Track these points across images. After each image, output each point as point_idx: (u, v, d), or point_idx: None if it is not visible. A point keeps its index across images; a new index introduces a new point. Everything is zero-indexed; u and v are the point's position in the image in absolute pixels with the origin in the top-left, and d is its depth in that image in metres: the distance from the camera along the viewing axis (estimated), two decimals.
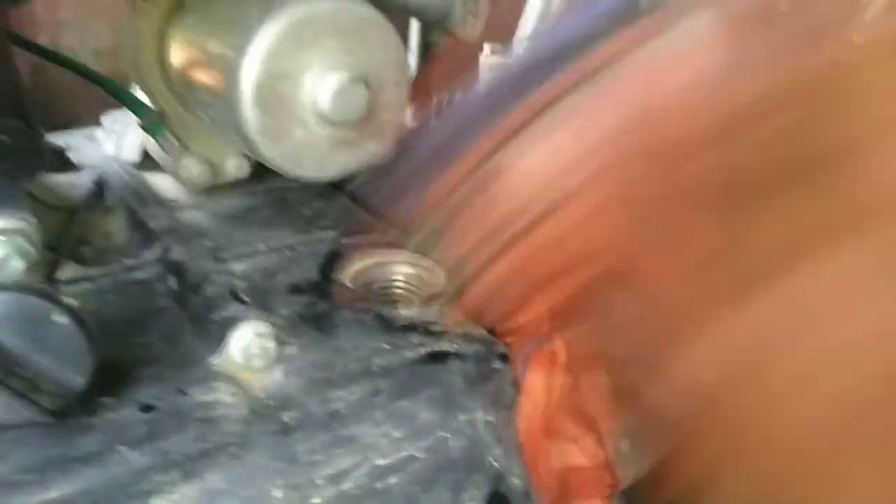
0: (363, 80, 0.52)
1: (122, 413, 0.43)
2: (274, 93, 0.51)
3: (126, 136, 0.81)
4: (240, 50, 0.50)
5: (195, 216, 0.68)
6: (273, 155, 0.53)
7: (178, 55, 0.61)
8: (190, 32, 0.59)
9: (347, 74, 0.51)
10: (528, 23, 0.87)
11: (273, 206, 0.71)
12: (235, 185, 0.72)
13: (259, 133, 0.52)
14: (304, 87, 0.51)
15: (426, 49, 0.80)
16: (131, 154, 0.78)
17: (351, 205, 0.72)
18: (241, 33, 0.51)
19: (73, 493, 0.38)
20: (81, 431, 0.41)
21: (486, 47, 0.85)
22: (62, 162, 0.73)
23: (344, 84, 0.51)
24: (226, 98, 0.52)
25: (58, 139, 0.77)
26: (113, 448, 0.40)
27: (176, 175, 0.69)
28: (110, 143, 0.84)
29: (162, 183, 0.73)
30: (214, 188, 0.71)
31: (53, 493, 0.37)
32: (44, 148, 0.55)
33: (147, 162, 0.78)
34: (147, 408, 0.43)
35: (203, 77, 0.57)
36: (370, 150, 0.56)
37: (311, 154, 0.54)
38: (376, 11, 0.53)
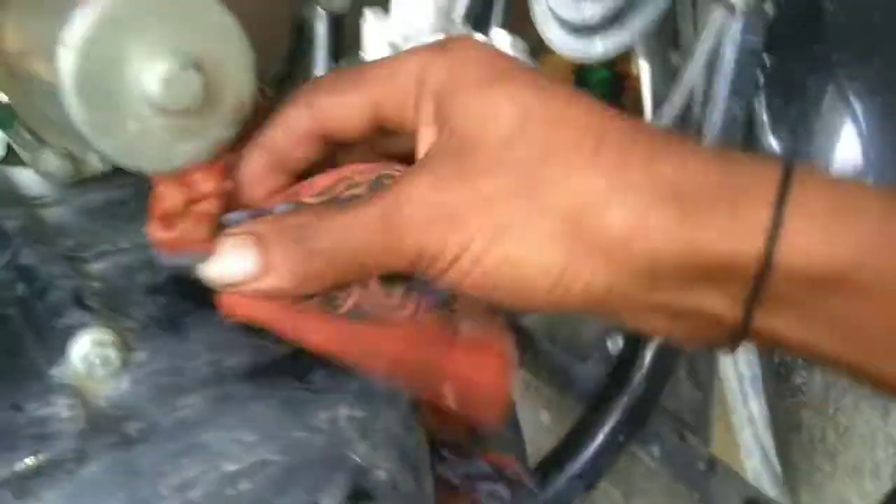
0: (194, 64, 0.49)
1: None
2: (96, 83, 0.47)
3: None
4: (58, 40, 0.47)
5: (58, 213, 0.65)
6: (108, 149, 0.50)
7: (11, 43, 0.57)
8: (19, 17, 0.55)
9: (176, 59, 0.48)
10: None
11: (141, 200, 0.67)
12: (102, 177, 0.69)
13: (88, 127, 0.48)
14: (130, 75, 0.48)
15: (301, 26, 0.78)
16: None
17: None
18: (59, 20, 0.47)
19: None
20: None
21: (369, 13, 0.83)
22: None
23: (173, 70, 0.48)
24: (51, 93, 0.49)
25: None
26: None
27: (37, 170, 0.65)
28: None
29: (25, 179, 0.70)
30: (80, 182, 0.67)
31: None
32: None
33: (13, 157, 0.74)
34: None
35: (34, 68, 0.54)
36: (216, 137, 0.53)
37: (150, 145, 0.51)
38: None
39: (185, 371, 0.47)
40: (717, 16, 0.75)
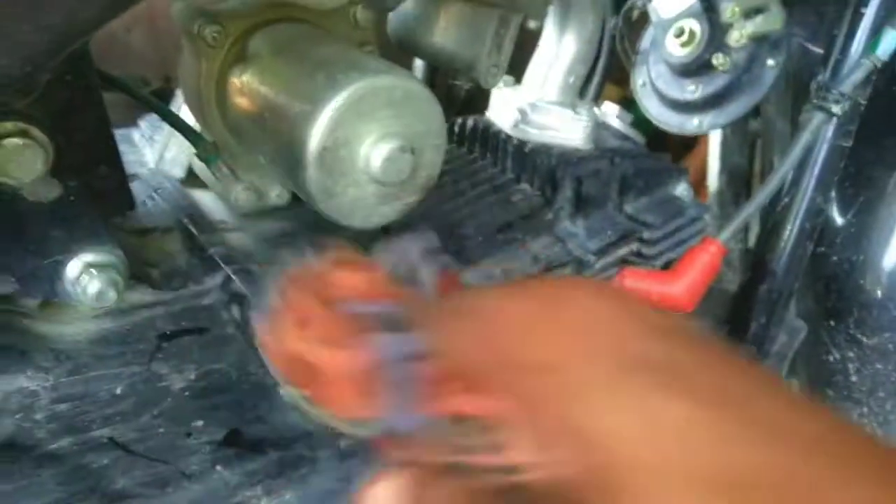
0: (409, 147, 0.60)
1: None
2: (334, 157, 0.59)
3: (169, 149, 0.88)
4: (308, 116, 0.58)
5: (241, 239, 0.76)
6: (328, 209, 0.61)
7: (239, 100, 0.69)
8: (254, 84, 0.66)
9: (397, 143, 0.59)
10: (539, 60, 0.94)
11: (309, 232, 0.79)
12: (274, 210, 0.80)
13: (318, 191, 0.59)
14: (359, 152, 0.59)
15: (449, 90, 0.88)
16: (176, 170, 0.86)
17: (377, 231, 0.81)
18: (309, 100, 0.58)
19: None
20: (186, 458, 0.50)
21: (502, 81, 0.93)
22: None
23: (394, 152, 0.59)
24: (288, 152, 0.60)
25: None
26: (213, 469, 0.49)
27: (225, 200, 0.77)
28: (151, 153, 0.91)
29: (208, 202, 0.81)
30: (256, 211, 0.79)
31: None
32: (128, 187, 0.63)
33: (190, 178, 0.85)
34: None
35: (265, 127, 0.65)
36: (408, 202, 0.64)
37: (361, 207, 0.62)
38: (423, 86, 0.61)
39: None
40: (816, 118, 0.85)
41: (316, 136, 0.58)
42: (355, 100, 0.58)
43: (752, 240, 1.27)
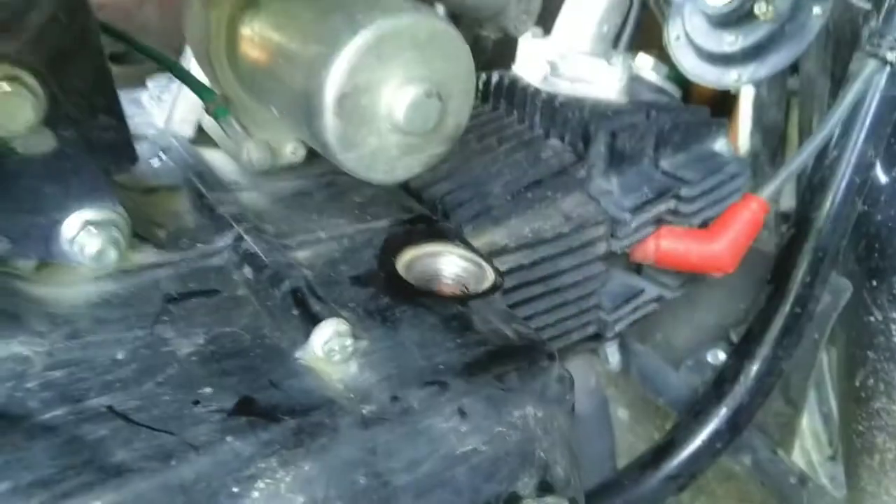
0: (436, 93, 0.55)
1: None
2: (354, 104, 0.54)
3: (177, 108, 0.84)
4: (324, 60, 0.53)
5: (254, 198, 0.71)
6: (347, 160, 0.56)
7: (250, 49, 0.64)
8: (266, 30, 0.61)
9: (423, 88, 0.54)
10: (570, 7, 0.89)
11: (325, 191, 0.74)
12: (289, 168, 0.75)
13: (337, 140, 0.55)
14: (382, 98, 0.54)
15: (475, 42, 0.82)
16: (185, 129, 0.81)
17: (397, 190, 0.76)
18: (326, 43, 0.53)
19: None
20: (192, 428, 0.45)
21: (529, 32, 0.88)
22: None
23: (419, 98, 0.54)
24: (303, 101, 0.55)
25: None
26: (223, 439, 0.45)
27: (237, 157, 0.72)
28: (159, 112, 0.87)
29: (219, 161, 0.76)
30: (270, 170, 0.74)
31: None
32: (130, 140, 0.58)
33: (200, 137, 0.81)
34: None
35: (278, 76, 0.60)
36: (436, 154, 0.60)
37: (383, 159, 0.57)
38: (450, 24, 0.56)
39: (404, 363, 0.53)
40: (868, 66, 0.79)
41: (334, 82, 0.53)
42: (376, 41, 0.52)
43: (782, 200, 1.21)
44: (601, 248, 0.81)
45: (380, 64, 0.53)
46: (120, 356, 0.49)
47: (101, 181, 0.54)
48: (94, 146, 0.55)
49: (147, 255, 0.60)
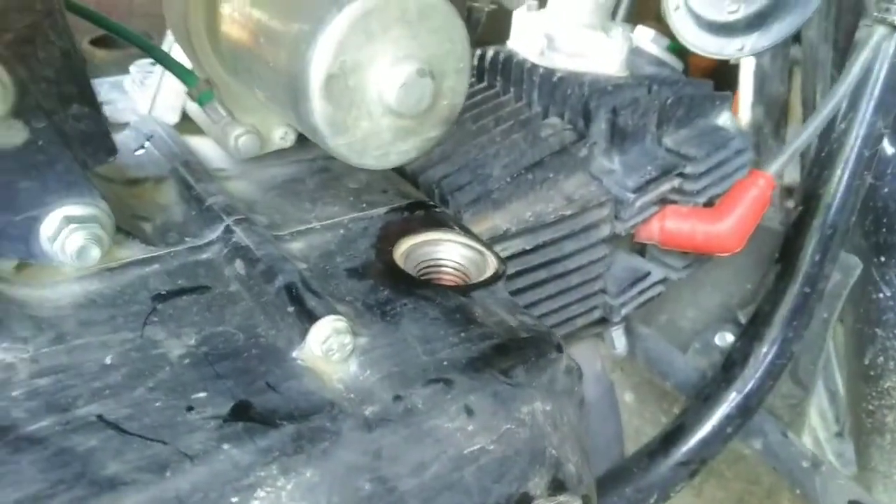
0: (428, 72, 0.52)
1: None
2: (342, 85, 0.51)
3: (160, 93, 0.80)
4: (309, 39, 0.50)
5: (243, 187, 0.68)
6: (337, 146, 0.53)
7: (231, 28, 0.60)
8: (246, 7, 0.58)
9: (414, 67, 0.51)
10: None
11: (318, 177, 0.71)
12: (278, 153, 0.72)
13: (326, 125, 0.52)
14: (371, 79, 0.51)
15: (468, 15, 0.79)
16: (169, 115, 0.78)
17: (393, 174, 0.73)
18: (310, 20, 0.50)
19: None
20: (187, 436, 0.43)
21: (524, 5, 0.84)
22: None
23: (411, 77, 0.51)
24: (288, 84, 0.52)
25: None
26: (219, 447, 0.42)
27: (224, 144, 0.69)
28: (142, 98, 0.83)
29: (205, 149, 0.73)
30: (259, 157, 0.71)
31: None
32: (107, 130, 0.55)
33: (185, 123, 0.78)
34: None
35: (261, 57, 0.57)
36: (431, 137, 0.56)
37: (375, 144, 0.54)
38: None
39: (406, 360, 0.51)
40: (876, 32, 0.76)
41: (319, 62, 0.50)
42: (363, 16, 0.49)
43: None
44: (605, 230, 0.78)
45: (368, 41, 0.50)
46: (108, 361, 0.47)
47: (79, 174, 0.51)
48: (69, 137, 0.51)
49: (133, 251, 0.57)
